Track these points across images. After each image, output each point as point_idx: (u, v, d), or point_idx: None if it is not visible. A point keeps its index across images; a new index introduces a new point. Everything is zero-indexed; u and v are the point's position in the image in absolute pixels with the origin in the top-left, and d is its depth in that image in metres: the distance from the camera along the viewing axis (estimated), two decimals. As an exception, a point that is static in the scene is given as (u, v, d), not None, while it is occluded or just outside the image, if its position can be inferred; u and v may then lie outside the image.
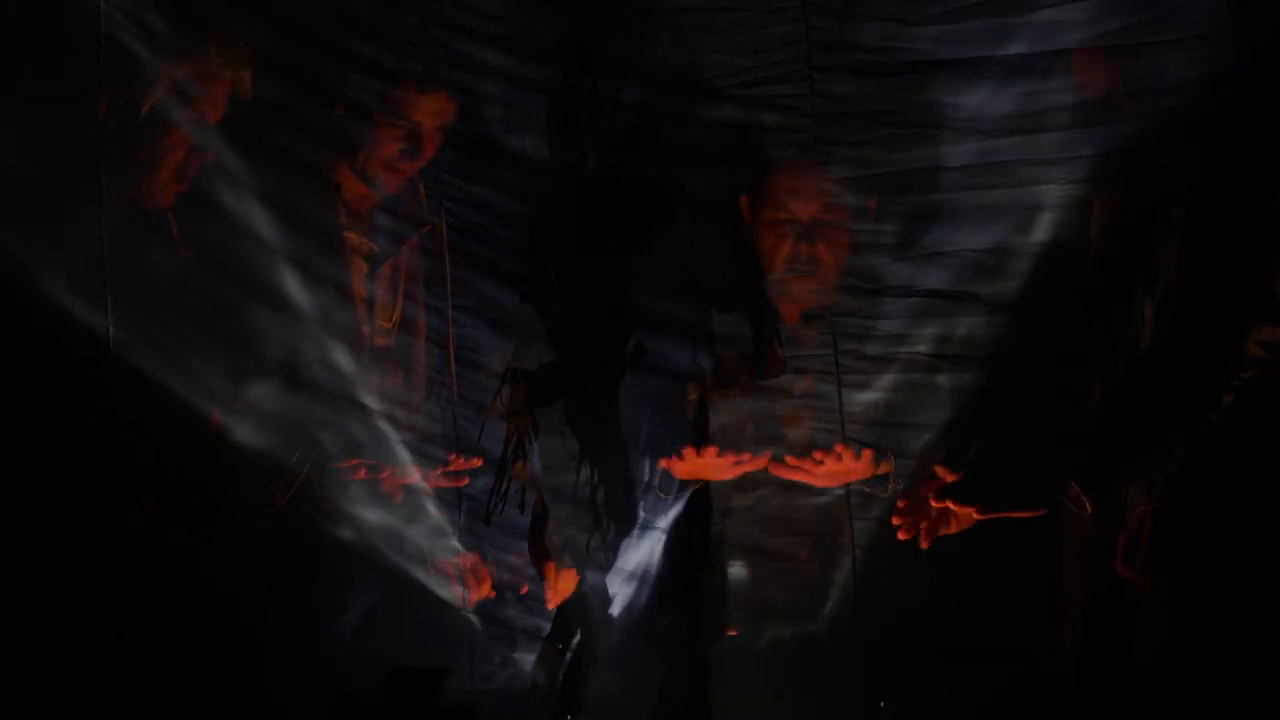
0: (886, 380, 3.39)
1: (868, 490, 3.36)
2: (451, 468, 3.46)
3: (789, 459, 3.33)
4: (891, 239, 3.42)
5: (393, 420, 3.45)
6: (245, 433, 3.27)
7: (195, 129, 3.21)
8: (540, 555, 3.46)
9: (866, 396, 3.38)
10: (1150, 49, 3.23)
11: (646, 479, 3.47)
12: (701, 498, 3.46)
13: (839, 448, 3.28)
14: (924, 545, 2.90)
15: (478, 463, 3.47)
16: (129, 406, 3.15)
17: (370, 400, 3.39)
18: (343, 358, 3.39)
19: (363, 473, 3.38)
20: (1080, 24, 3.26)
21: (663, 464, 3.40)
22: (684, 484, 3.44)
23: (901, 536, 2.91)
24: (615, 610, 3.49)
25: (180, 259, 3.24)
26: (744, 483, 3.46)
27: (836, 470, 3.30)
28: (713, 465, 3.35)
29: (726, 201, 3.48)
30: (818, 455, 3.29)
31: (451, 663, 3.35)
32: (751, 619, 3.46)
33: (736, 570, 3.49)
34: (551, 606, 3.46)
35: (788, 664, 3.42)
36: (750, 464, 3.36)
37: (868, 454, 3.30)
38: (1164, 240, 3.08)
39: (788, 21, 3.41)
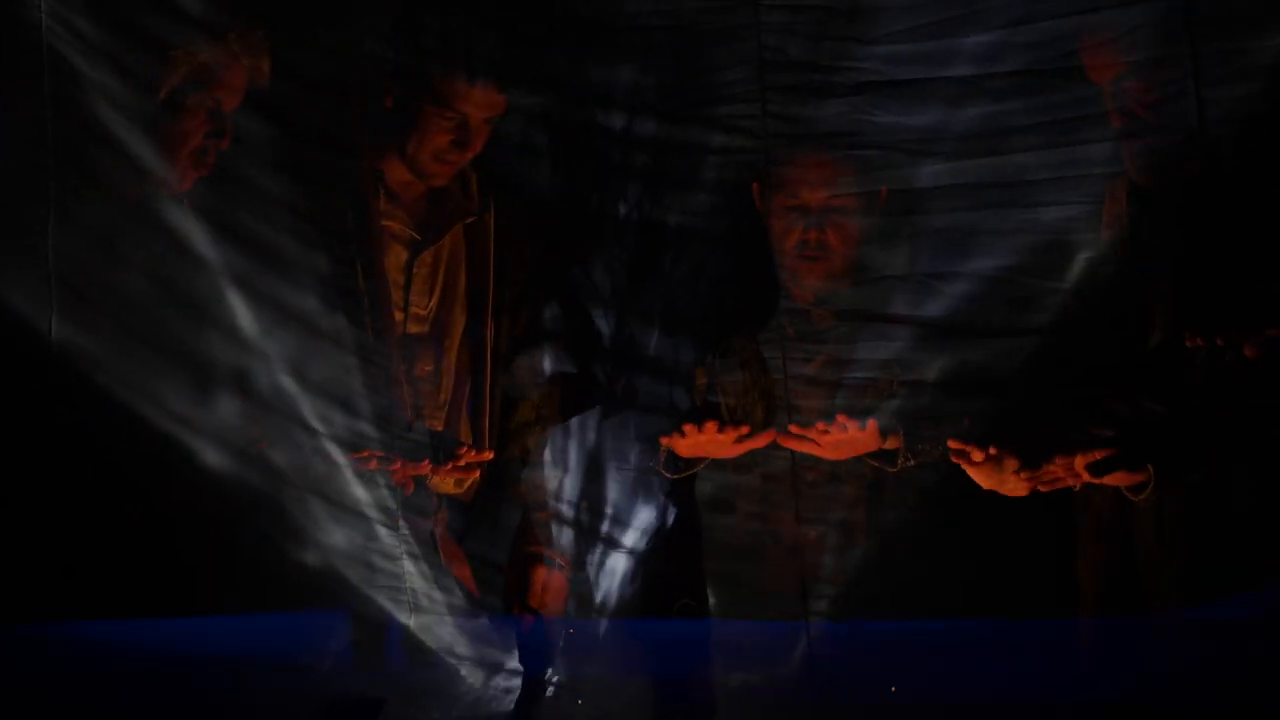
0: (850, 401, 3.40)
1: (875, 464, 3.35)
2: (462, 461, 3.44)
3: (793, 428, 3.31)
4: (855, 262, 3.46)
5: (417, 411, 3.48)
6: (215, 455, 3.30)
7: (211, 116, 3.28)
8: (530, 560, 3.46)
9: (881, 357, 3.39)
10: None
11: (626, 511, 3.49)
12: (689, 519, 3.49)
13: (841, 418, 3.26)
14: None
15: (489, 455, 3.46)
16: (95, 417, 3.20)
17: (317, 423, 3.38)
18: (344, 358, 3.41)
19: (373, 464, 3.37)
20: (1039, 45, 3.29)
21: (664, 442, 3.40)
22: (689, 463, 3.44)
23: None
24: (593, 635, 3.48)
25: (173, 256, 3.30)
26: (720, 505, 3.49)
27: (842, 440, 3.28)
28: (715, 441, 3.35)
29: (699, 227, 3.52)
30: (821, 426, 3.28)
31: (406, 692, 3.36)
32: (722, 654, 3.45)
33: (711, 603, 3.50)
34: (548, 612, 3.45)
35: (755, 707, 3.40)
36: (753, 440, 3.35)
37: (873, 424, 3.28)
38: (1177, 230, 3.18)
39: (740, 40, 3.42)
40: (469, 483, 3.51)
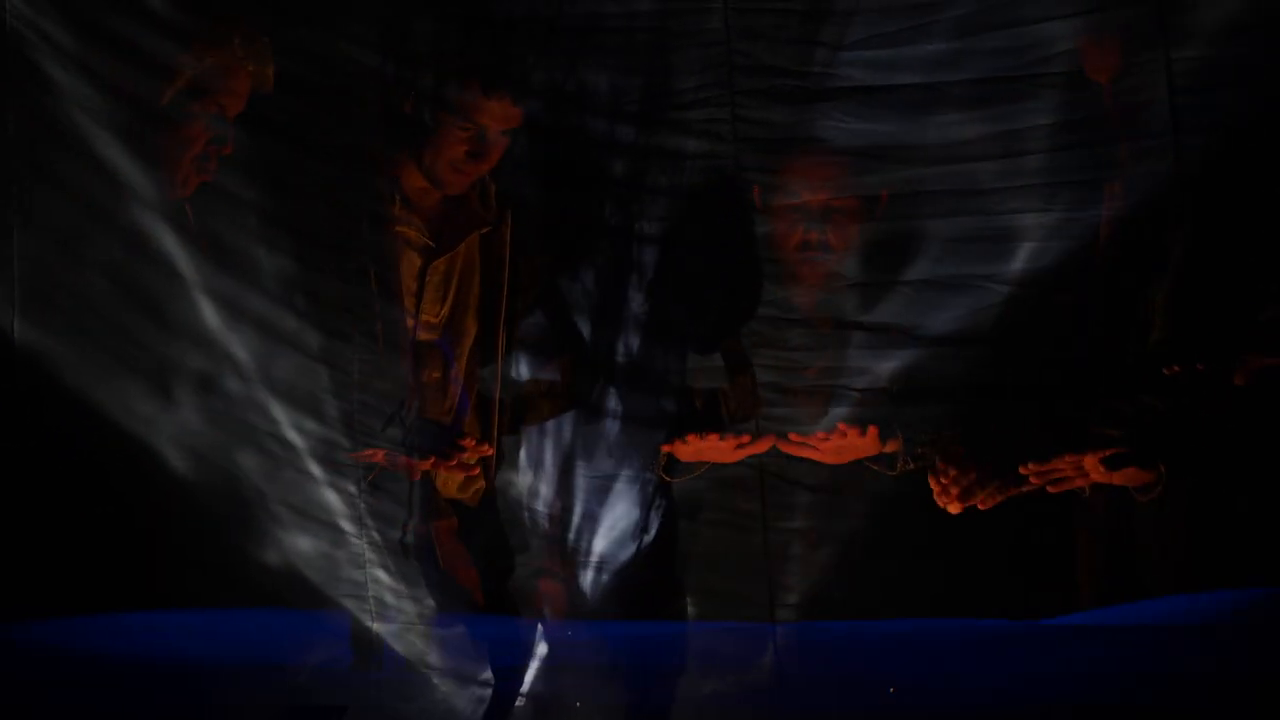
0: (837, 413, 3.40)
1: (875, 469, 3.35)
2: (467, 455, 3.43)
3: (792, 435, 3.33)
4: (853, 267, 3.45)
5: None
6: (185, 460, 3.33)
7: (214, 122, 3.28)
8: (520, 566, 3.50)
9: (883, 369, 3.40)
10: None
11: (613, 516, 3.51)
12: (670, 525, 3.51)
13: (842, 425, 3.28)
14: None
15: (489, 450, 3.46)
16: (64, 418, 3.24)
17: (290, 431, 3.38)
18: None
19: (380, 457, 3.39)
20: (1014, 50, 3.27)
21: (665, 449, 3.43)
22: (687, 468, 3.46)
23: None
24: (580, 638, 3.50)
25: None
26: (693, 513, 3.51)
27: (841, 446, 3.29)
28: (716, 448, 3.37)
29: (681, 232, 3.50)
30: (820, 434, 3.30)
31: (371, 701, 3.38)
32: (695, 664, 3.46)
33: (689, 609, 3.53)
34: (541, 616, 3.48)
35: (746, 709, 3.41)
36: (753, 446, 3.36)
37: (873, 430, 3.29)
38: (1173, 232, 3.16)
39: (710, 45, 3.39)
40: (474, 489, 3.53)
